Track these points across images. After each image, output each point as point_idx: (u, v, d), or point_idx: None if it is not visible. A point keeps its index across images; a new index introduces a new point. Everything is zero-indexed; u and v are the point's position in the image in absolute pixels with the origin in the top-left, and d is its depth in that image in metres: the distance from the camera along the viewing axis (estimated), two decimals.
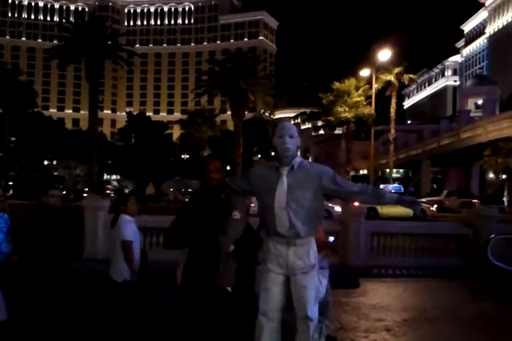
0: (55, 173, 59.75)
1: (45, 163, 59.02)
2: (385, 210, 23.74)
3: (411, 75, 42.43)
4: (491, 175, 44.74)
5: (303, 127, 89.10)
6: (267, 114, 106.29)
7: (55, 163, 60.21)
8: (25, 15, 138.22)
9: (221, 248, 3.14)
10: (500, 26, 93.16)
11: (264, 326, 3.35)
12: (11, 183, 50.01)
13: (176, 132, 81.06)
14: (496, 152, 37.91)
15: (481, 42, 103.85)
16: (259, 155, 67.79)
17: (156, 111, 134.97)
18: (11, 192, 47.68)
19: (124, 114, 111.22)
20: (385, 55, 38.40)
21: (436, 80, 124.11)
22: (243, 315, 3.37)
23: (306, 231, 3.34)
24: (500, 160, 37.92)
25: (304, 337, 3.33)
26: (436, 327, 5.78)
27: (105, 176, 74.94)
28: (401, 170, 64.83)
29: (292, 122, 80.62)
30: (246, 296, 3.43)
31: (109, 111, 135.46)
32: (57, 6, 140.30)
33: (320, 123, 79.39)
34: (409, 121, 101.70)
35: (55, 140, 54.24)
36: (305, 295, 3.32)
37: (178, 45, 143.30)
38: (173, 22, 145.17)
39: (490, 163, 39.57)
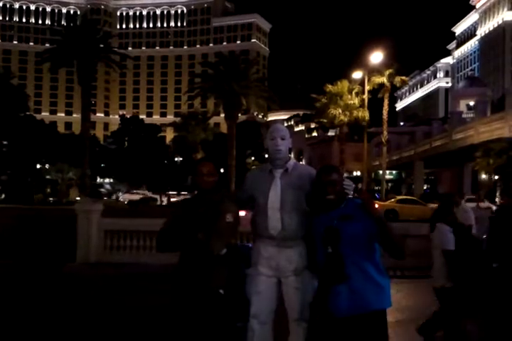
0: (48, 177, 59.44)
1: (38, 166, 58.67)
2: (405, 212, 24.62)
3: (403, 77, 42.60)
4: (484, 176, 44.99)
5: (296, 129, 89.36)
6: (260, 117, 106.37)
7: (47, 166, 59.88)
8: (16, 18, 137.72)
9: (213, 251, 3.15)
10: (491, 28, 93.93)
11: (256, 329, 3.35)
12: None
13: (169, 135, 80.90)
14: (487, 153, 38.14)
15: (472, 44, 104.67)
16: (253, 158, 67.80)
17: (149, 114, 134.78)
18: (3, 196, 47.41)
19: (116, 117, 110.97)
20: (377, 57, 38.45)
21: (428, 82, 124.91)
22: (235, 318, 3.36)
23: (297, 233, 3.35)
24: (491, 160, 38.15)
25: (296, 338, 3.33)
26: None
27: (98, 179, 74.66)
28: (394, 172, 65.18)
29: (285, 124, 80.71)
30: (237, 299, 3.42)
31: (102, 114, 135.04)
32: (48, 9, 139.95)
33: (313, 126, 79.71)
34: (401, 123, 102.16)
35: (47, 143, 53.92)
36: (297, 297, 3.32)
37: (171, 47, 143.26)
38: (165, 25, 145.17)
39: (482, 164, 39.80)
